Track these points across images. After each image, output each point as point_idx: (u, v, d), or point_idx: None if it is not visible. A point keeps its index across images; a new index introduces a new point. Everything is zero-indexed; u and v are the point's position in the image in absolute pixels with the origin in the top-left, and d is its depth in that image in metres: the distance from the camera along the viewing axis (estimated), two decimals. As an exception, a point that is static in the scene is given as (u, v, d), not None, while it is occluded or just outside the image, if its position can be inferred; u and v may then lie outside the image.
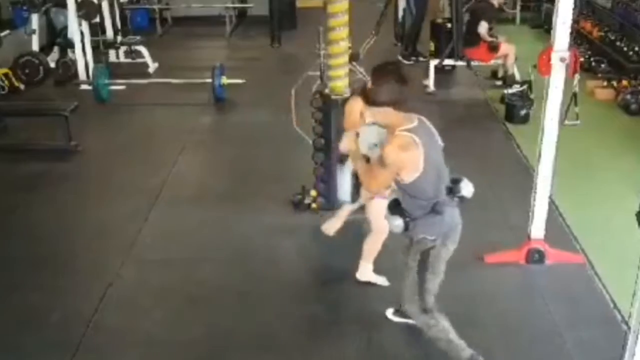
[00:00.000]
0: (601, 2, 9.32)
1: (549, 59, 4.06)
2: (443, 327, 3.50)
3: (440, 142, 3.34)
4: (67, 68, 8.52)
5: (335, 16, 4.81)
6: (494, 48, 7.86)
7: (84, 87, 8.20)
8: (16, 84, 8.13)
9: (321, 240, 5.06)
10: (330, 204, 5.24)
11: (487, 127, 7.16)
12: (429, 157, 3.17)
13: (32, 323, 4.11)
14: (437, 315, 3.50)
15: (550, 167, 4.38)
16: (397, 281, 3.75)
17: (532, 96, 7.15)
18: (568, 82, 4.30)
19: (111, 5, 9.22)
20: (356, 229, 4.82)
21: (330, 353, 3.88)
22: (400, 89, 3.09)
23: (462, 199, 3.44)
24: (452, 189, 3.40)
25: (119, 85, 8.25)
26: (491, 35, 7.90)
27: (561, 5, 4.01)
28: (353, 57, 5.25)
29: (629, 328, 2.79)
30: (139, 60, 9.20)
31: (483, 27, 7.79)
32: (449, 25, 8.06)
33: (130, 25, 10.83)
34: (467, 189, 3.43)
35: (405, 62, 9.20)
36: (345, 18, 4.85)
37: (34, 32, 8.64)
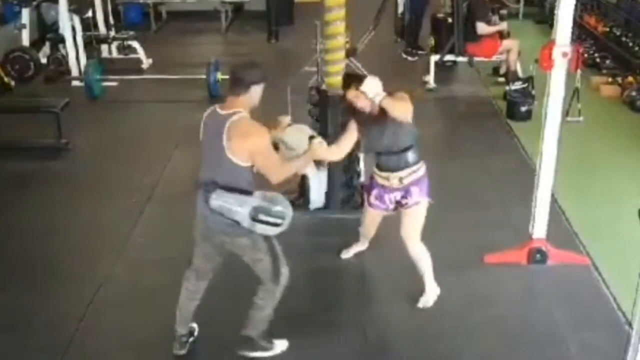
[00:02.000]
0: (606, -3, 9.31)
1: (551, 54, 4.05)
2: (183, 289, 3.80)
3: (221, 138, 3.33)
4: (59, 64, 8.48)
5: (332, 10, 4.80)
6: (504, 35, 7.94)
7: (76, 83, 8.19)
8: (6, 80, 8.10)
9: (318, 240, 5.07)
10: (327, 202, 5.24)
11: (488, 124, 7.15)
12: (204, 137, 3.51)
13: (20, 325, 4.10)
14: (193, 279, 3.78)
15: (552, 165, 4.37)
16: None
17: (533, 92, 7.14)
18: (570, 77, 4.29)
19: (104, 0, 9.19)
20: (352, 228, 4.81)
21: (325, 353, 3.88)
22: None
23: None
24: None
25: (111, 82, 8.24)
26: (494, 23, 7.92)
27: (564, -1, 4.00)
28: (350, 52, 5.23)
29: (632, 329, 2.79)
30: (133, 56, 9.16)
31: (481, 28, 7.79)
32: (450, 20, 8.04)
33: (124, 20, 10.81)
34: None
35: (409, 58, 9.19)
36: (342, 12, 4.84)
37: (24, 26, 8.61)
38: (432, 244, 4.62)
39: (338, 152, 4.04)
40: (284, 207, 3.41)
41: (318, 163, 4.31)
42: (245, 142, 3.33)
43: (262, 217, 3.34)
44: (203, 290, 3.83)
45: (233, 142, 3.32)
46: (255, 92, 3.46)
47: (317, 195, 5.11)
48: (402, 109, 3.80)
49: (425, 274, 4.18)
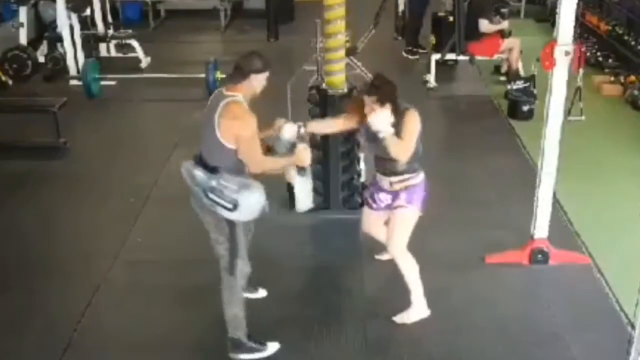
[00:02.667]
0: (608, -5, 9.31)
1: (553, 53, 4.06)
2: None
3: (214, 115, 3.50)
4: (56, 63, 8.48)
5: (332, 8, 4.80)
6: (506, 34, 7.90)
7: (74, 82, 8.18)
8: (3, 79, 8.10)
9: (317, 240, 5.08)
10: (327, 202, 5.24)
11: (489, 123, 7.16)
12: (204, 112, 3.64)
13: (17, 326, 4.11)
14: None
15: (554, 165, 4.37)
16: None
17: (535, 91, 7.14)
18: (572, 76, 4.29)
19: (101, -2, 9.21)
20: (352, 228, 4.80)
21: (326, 354, 3.89)
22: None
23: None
24: None
25: (109, 81, 8.23)
26: (497, 22, 7.89)
27: (565, -3, 4.00)
28: (350, 51, 5.24)
29: (635, 329, 2.79)
30: (131, 54, 9.16)
31: (484, 26, 7.80)
32: (451, 18, 8.03)
33: (122, 18, 10.81)
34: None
35: (410, 57, 9.18)
36: (342, 10, 4.84)
37: (21, 25, 8.61)
38: (433, 243, 4.64)
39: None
40: (247, 196, 3.49)
41: (301, 169, 4.30)
42: (232, 125, 3.47)
43: (213, 197, 3.47)
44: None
45: (222, 122, 3.48)
46: (256, 81, 3.57)
47: (303, 199, 5.09)
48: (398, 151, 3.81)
49: (412, 291, 4.05)
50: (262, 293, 4.30)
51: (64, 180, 6.00)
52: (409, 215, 3.97)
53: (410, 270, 4.02)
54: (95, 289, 4.42)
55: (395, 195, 4.01)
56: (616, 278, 4.42)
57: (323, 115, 5.02)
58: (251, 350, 3.79)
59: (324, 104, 5.03)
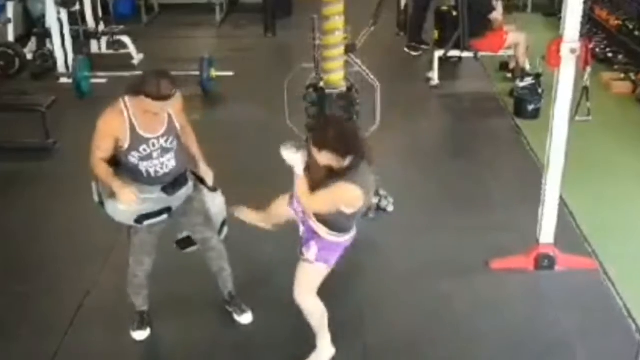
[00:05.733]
0: (618, -11, 9.31)
1: (558, 50, 4.05)
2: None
3: None
4: (45, 60, 8.50)
5: (330, 4, 4.80)
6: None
7: (64, 80, 8.19)
8: (-12, 76, 8.13)
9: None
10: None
11: (494, 122, 7.16)
12: None
13: (6, 330, 4.14)
14: None
15: (560, 166, 4.37)
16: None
17: (540, 90, 7.13)
18: (579, 74, 4.30)
19: (92, -8, 9.23)
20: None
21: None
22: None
23: None
24: None
25: (100, 79, 8.22)
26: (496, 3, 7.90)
27: (572, -9, 3.99)
28: (349, 49, 5.24)
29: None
30: (123, 51, 9.17)
31: (494, 18, 7.81)
32: (455, 13, 8.03)
33: (113, 13, 10.83)
34: None
35: (413, 53, 9.19)
36: (341, 6, 4.85)
37: (9, 21, 8.64)
38: (435, 247, 4.66)
39: None
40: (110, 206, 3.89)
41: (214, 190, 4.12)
42: None
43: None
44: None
45: None
46: (144, 103, 3.63)
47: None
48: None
49: (316, 334, 3.86)
50: (246, 319, 4.19)
51: (53, 182, 6.00)
52: (314, 271, 3.66)
53: (311, 315, 3.81)
54: (85, 294, 4.44)
55: (308, 240, 3.61)
56: (625, 284, 4.42)
57: (320, 114, 5.03)
58: (132, 320, 4.09)
59: (322, 102, 5.04)
